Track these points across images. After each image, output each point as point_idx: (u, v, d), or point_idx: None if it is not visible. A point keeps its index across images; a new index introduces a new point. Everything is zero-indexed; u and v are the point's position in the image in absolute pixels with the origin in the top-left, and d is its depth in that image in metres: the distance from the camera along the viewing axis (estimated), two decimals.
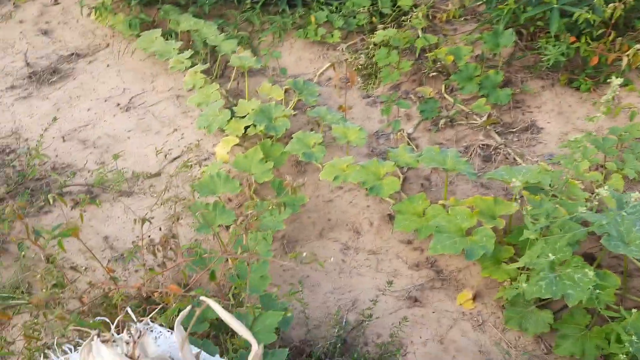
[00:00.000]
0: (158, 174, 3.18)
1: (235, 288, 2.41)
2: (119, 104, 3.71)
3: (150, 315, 1.26)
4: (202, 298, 1.17)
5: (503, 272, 2.40)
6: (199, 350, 1.22)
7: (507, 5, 3.42)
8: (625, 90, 3.38)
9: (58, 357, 1.19)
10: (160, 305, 2.08)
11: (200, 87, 3.36)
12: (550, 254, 2.19)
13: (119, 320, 1.12)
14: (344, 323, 2.38)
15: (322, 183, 3.01)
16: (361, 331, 2.37)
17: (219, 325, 2.24)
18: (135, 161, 3.28)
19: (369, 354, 2.29)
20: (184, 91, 3.76)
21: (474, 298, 2.51)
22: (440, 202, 2.64)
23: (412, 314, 2.46)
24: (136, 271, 2.63)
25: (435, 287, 2.58)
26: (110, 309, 2.09)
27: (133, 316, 1.23)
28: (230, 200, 2.98)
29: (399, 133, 3.15)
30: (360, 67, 3.63)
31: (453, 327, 2.41)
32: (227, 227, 2.71)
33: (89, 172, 3.21)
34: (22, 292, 2.49)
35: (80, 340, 1.33)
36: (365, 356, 2.25)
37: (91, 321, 1.75)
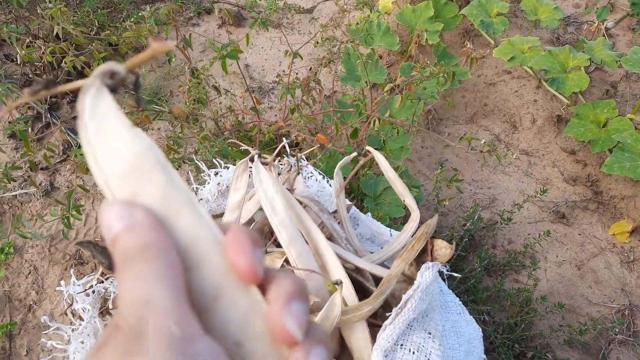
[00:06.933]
0: (310, 11, 2.93)
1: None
2: None
3: (305, 153, 1.09)
4: (369, 148, 0.97)
5: None
6: (351, 203, 1.06)
7: None
8: None
9: (207, 170, 1.08)
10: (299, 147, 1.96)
11: None
12: None
13: (279, 150, 0.96)
14: (475, 218, 2.15)
15: (488, 62, 2.63)
16: (492, 232, 2.15)
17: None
18: None
19: (495, 257, 2.08)
20: None
21: (632, 232, 2.17)
22: (629, 115, 2.19)
23: (554, 229, 2.18)
24: (270, 108, 2.52)
25: (589, 208, 2.24)
26: (244, 140, 2.01)
27: (288, 150, 1.07)
28: (380, 57, 2.71)
29: (596, 25, 2.61)
30: None
31: (598, 255, 2.11)
32: (374, 85, 2.48)
33: None
34: (160, 98, 2.48)
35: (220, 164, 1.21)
36: (491, 258, 2.04)
37: (232, 149, 1.66)
